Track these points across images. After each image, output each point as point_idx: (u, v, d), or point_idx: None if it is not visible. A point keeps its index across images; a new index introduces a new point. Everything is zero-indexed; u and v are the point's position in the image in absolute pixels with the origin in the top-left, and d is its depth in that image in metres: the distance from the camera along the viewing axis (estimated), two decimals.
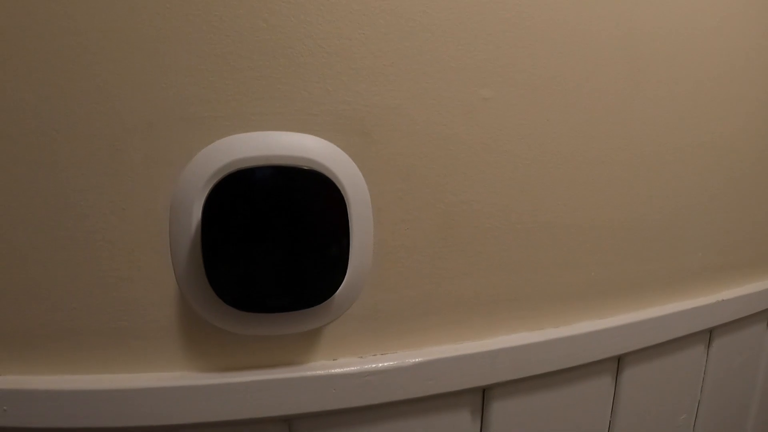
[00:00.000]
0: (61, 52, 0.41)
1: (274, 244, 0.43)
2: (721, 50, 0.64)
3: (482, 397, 0.55)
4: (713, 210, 0.69)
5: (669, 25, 0.58)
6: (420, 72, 0.47)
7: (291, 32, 0.43)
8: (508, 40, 0.49)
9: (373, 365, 0.49)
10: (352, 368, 0.48)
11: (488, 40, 0.48)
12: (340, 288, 0.45)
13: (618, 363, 0.63)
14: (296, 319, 0.47)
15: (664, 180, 0.63)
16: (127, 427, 0.47)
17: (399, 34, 0.45)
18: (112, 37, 0.41)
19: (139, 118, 0.43)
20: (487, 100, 0.49)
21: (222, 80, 0.43)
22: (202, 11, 0.42)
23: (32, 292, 0.46)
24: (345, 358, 0.50)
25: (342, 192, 0.44)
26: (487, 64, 0.49)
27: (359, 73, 0.45)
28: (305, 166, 0.43)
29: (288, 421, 0.49)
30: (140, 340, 0.47)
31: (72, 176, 0.44)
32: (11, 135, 0.42)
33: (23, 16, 0.40)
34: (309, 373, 0.48)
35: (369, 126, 0.45)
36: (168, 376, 0.47)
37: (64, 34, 0.41)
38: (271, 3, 0.42)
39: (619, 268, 0.60)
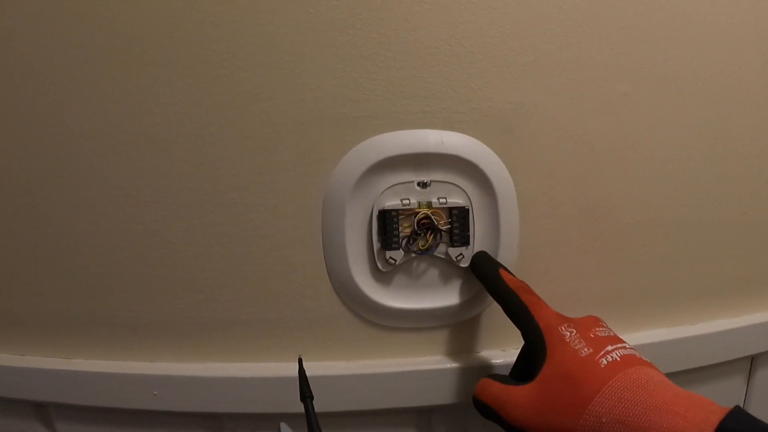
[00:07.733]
0: (210, 58, 0.43)
1: None
2: None
3: None
4: None
5: None
6: (558, 69, 0.47)
7: (434, 33, 0.44)
8: (642, 33, 0.48)
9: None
10: (495, 361, 0.49)
11: (622, 34, 0.48)
12: None
13: (751, 363, 0.61)
14: (441, 314, 0.48)
15: None
16: (270, 413, 0.49)
17: (537, 31, 0.45)
18: (260, 43, 0.43)
19: (290, 119, 0.45)
20: (625, 95, 0.49)
21: (370, 81, 0.45)
22: (347, 15, 0.43)
23: (186, 285, 0.49)
24: (488, 351, 0.51)
25: (492, 187, 0.45)
26: (623, 59, 0.48)
27: (501, 70, 0.46)
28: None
29: (429, 411, 0.50)
30: (289, 331, 0.49)
31: (227, 176, 0.46)
32: (164, 139, 0.45)
33: (172, 25, 0.43)
34: (448, 366, 0.49)
35: (512, 123, 0.46)
36: (315, 366, 0.49)
37: (211, 41, 0.43)
38: (412, 5, 0.43)
39: (757, 265, 0.58)
